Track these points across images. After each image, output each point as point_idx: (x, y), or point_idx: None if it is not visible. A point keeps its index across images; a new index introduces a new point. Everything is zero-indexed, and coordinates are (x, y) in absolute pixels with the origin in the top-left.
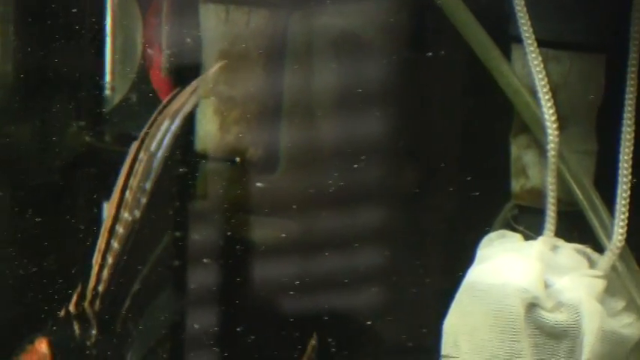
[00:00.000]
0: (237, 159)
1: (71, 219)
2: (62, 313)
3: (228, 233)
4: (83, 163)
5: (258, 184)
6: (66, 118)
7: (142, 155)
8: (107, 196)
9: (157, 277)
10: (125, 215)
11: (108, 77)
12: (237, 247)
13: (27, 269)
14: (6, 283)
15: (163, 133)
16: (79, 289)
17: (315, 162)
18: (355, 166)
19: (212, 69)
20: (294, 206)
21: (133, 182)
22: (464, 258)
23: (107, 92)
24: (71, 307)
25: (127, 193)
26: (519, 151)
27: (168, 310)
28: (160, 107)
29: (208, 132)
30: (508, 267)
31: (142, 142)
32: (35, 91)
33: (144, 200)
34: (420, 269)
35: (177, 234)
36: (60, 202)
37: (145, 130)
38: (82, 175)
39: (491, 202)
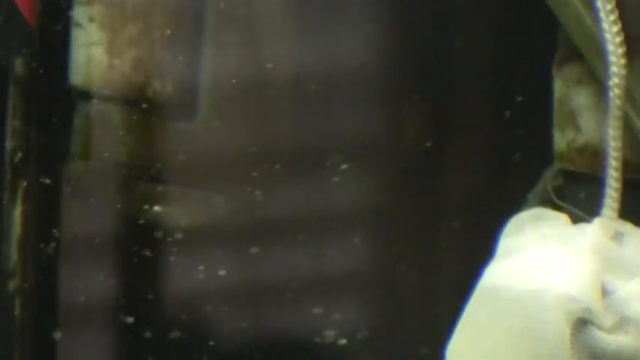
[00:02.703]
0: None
1: None
2: None
3: (123, 213)
4: None
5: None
6: None
7: None
8: None
9: None
10: None
11: None
12: (138, 235)
13: None
14: None
15: None
16: None
17: (256, 103)
18: (323, 108)
19: None
20: (225, 171)
21: None
22: (480, 248)
23: None
24: None
25: None
26: (566, 88)
27: None
28: None
29: (90, 57)
30: (546, 265)
31: None
32: None
33: None
34: (415, 266)
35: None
36: None
37: None
38: None
39: (523, 165)
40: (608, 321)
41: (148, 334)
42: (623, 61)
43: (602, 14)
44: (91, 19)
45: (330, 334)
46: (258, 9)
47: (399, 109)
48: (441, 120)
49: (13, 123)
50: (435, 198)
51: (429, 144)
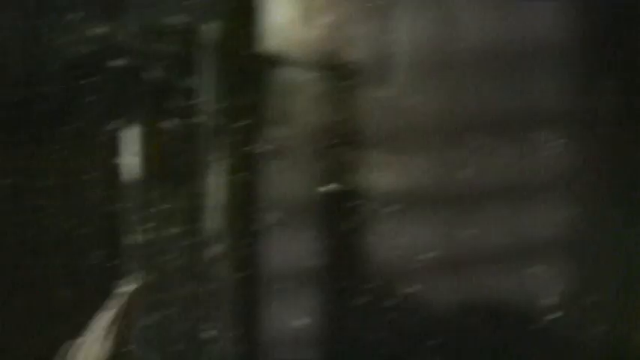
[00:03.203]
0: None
1: (79, 149)
2: None
3: (322, 178)
4: (88, 68)
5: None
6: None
7: None
8: (133, 117)
9: None
10: None
11: None
12: (336, 201)
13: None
14: None
15: None
16: None
17: (450, 69)
18: (516, 77)
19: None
20: (421, 138)
21: None
22: None
23: None
24: None
25: None
26: None
27: None
28: None
29: (282, 22)
30: None
31: None
32: None
33: None
34: (623, 235)
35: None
36: (53, 128)
37: None
38: (86, 88)
39: None
40: None
41: (357, 301)
42: None
43: None
44: None
45: (542, 299)
46: None
47: (594, 81)
48: (635, 88)
49: (207, 86)
50: (634, 166)
51: (622, 114)
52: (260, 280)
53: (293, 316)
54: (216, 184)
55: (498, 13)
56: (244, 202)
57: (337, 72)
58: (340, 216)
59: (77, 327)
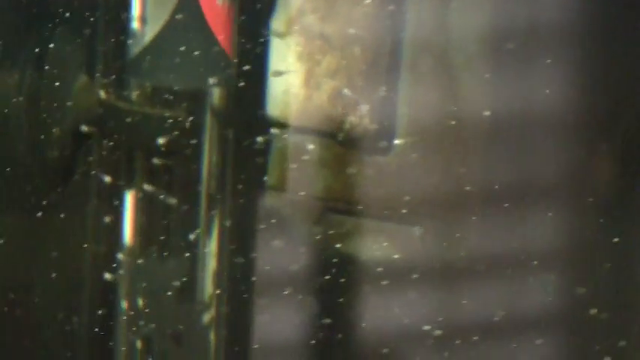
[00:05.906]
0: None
1: (76, 216)
2: None
3: (318, 246)
4: (96, 132)
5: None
6: (70, 66)
7: None
8: (130, 182)
9: None
10: None
11: (135, 4)
12: (332, 269)
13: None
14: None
15: None
16: None
17: (452, 139)
18: (519, 146)
19: None
20: (421, 206)
21: None
22: None
23: (134, 26)
24: None
25: None
26: None
27: None
28: None
29: (288, 89)
30: None
31: None
32: (25, 26)
33: None
34: (611, 303)
35: (237, 248)
36: (60, 192)
37: None
38: (95, 152)
39: None
40: None
41: None
42: None
43: None
44: (290, 50)
45: None
46: (454, 43)
47: (594, 150)
48: (634, 158)
49: (209, 153)
50: (629, 239)
51: (621, 184)
52: (245, 347)
53: None
54: (212, 252)
55: (503, 74)
56: (232, 268)
57: (339, 138)
58: (331, 282)
59: None
